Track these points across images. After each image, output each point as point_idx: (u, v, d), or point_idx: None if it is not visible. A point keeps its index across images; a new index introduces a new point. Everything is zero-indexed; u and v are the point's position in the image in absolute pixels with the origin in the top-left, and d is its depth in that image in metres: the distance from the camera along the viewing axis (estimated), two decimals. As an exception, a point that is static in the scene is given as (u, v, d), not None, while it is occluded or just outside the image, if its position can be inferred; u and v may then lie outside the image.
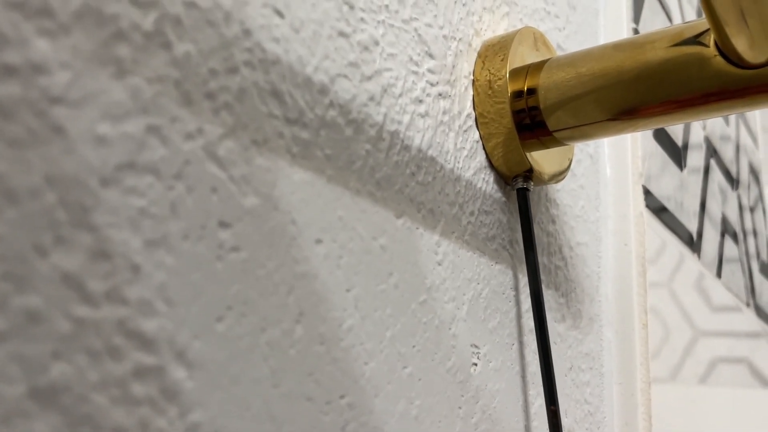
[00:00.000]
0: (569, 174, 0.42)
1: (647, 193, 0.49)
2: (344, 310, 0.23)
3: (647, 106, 0.30)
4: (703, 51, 0.28)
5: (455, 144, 0.30)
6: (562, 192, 0.41)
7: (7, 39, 0.14)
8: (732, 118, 0.91)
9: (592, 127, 0.31)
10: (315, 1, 0.23)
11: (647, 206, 0.48)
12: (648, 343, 0.45)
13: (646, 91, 0.29)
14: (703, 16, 0.27)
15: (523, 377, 0.34)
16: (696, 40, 0.28)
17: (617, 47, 0.30)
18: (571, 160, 0.37)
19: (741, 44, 0.26)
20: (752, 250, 0.89)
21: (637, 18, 0.51)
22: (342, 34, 0.24)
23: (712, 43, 0.28)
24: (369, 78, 0.25)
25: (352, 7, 0.24)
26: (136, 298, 0.16)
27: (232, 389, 0.18)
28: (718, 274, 0.67)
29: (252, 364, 0.19)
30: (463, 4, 0.32)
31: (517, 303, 0.34)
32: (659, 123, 0.30)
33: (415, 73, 0.28)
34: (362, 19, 0.25)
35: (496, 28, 0.35)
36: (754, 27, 0.25)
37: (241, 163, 0.19)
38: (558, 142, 0.33)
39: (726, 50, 0.27)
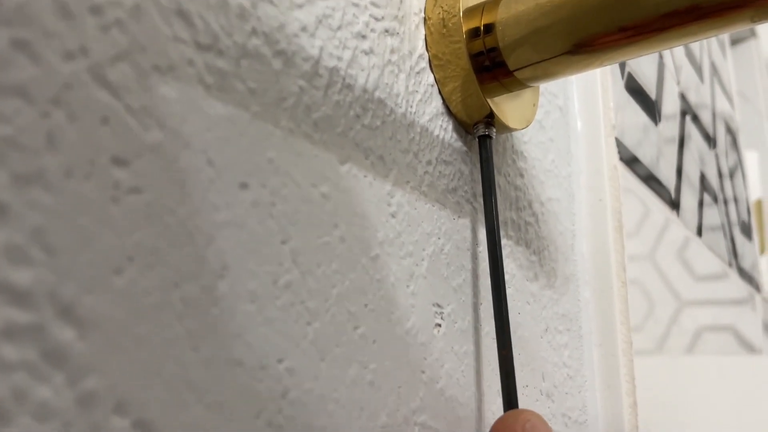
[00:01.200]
0: (538, 126, 0.39)
1: (623, 147, 0.47)
2: (280, 265, 0.20)
3: (610, 33, 0.27)
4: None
5: (407, 86, 0.28)
6: (530, 144, 0.38)
7: None
8: (707, 80, 0.90)
9: (554, 62, 0.29)
10: None
11: (621, 159, 0.46)
12: (628, 300, 0.42)
13: (608, 16, 0.27)
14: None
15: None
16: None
17: (578, -28, 0.28)
18: (537, 105, 0.34)
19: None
20: (733, 216, 0.88)
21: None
22: (264, -46, 0.21)
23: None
24: (299, 6, 0.22)
25: (276, -74, 0.22)
26: (2, 242, 0.13)
27: (137, 352, 0.16)
28: (699, 233, 0.65)
29: (163, 323, 0.16)
30: (410, -65, 0.29)
31: (483, 259, 0.32)
32: (625, 53, 0.28)
33: (356, 5, 0.25)
34: (289, -59, 0.22)
35: (449, -36, 0.32)
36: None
37: (139, 92, 0.17)
38: (521, 84, 0.30)
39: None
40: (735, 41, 1.59)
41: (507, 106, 0.32)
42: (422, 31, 0.29)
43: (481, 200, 0.32)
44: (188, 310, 0.17)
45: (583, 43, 0.28)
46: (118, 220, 0.16)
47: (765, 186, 1.63)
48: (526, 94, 0.33)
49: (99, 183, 0.15)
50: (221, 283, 0.18)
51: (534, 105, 0.34)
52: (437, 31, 0.30)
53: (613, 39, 0.27)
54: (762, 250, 1.59)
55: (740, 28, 0.26)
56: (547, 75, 0.30)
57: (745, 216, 0.96)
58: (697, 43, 0.86)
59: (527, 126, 0.33)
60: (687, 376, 0.60)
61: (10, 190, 0.14)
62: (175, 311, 0.17)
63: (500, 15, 0.29)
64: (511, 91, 0.31)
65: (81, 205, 0.15)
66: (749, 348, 0.90)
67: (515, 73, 0.30)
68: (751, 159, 1.65)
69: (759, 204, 1.64)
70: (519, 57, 0.29)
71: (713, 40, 0.97)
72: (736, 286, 0.81)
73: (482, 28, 0.29)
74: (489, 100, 0.30)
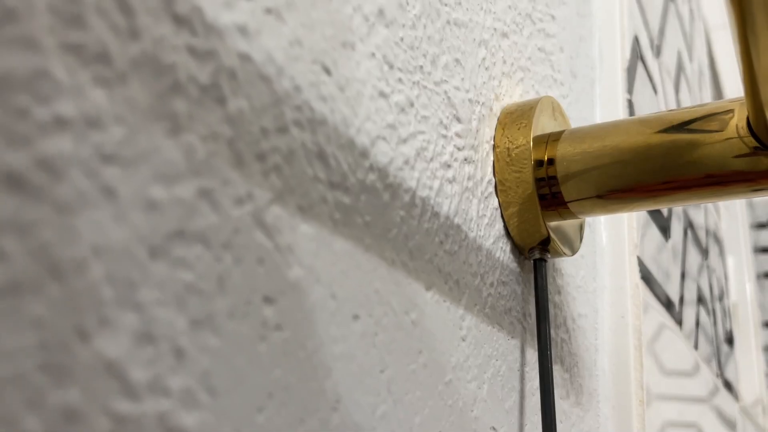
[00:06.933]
0: (572, 243, 0.41)
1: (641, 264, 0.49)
2: (378, 395, 0.21)
3: (670, 184, 0.29)
4: (729, 132, 0.27)
5: (477, 211, 0.29)
6: (565, 261, 0.40)
7: (61, 87, 0.12)
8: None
9: (607, 201, 0.31)
10: (359, 59, 0.21)
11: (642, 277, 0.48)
12: (645, 419, 0.43)
13: (669, 169, 0.29)
14: (726, 96, 0.26)
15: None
16: (721, 118, 0.28)
17: (643, 122, 0.30)
18: (583, 232, 0.36)
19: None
20: (720, 329, 0.90)
21: (630, 89, 0.52)
22: (382, 94, 0.23)
23: (737, 123, 0.27)
24: (404, 141, 0.24)
25: (391, 66, 0.23)
26: (179, 387, 0.14)
27: (271, 491, 0.16)
28: (695, 346, 0.67)
29: (291, 460, 0.17)
30: (486, 68, 0.31)
31: (528, 379, 0.32)
32: (665, 203, 0.30)
33: (444, 136, 0.27)
34: (400, 80, 0.24)
35: (513, 93, 0.34)
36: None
37: (287, 231, 0.18)
38: (572, 214, 0.32)
39: (759, 131, 0.26)
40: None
41: (559, 233, 0.33)
42: (491, 158, 0.31)
43: (530, 320, 0.33)
44: (309, 446, 0.17)
45: (640, 188, 0.30)
46: (264, 357, 0.16)
47: (738, 291, 1.68)
48: (574, 223, 0.35)
49: (252, 322, 0.16)
50: (335, 416, 0.19)
51: (581, 231, 0.36)
52: (503, 159, 0.31)
53: (672, 189, 0.29)
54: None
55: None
56: (595, 211, 0.32)
57: (728, 325, 0.99)
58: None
59: (576, 253, 0.34)
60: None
61: (188, 334, 0.14)
62: (300, 447, 0.17)
63: (560, 150, 0.31)
64: (565, 219, 0.32)
65: (238, 345, 0.16)
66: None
67: (569, 205, 0.31)
68: (729, 264, 1.70)
69: (735, 309, 1.68)
70: (574, 190, 0.31)
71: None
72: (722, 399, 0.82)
73: (546, 160, 0.31)
74: (547, 224, 0.32)
